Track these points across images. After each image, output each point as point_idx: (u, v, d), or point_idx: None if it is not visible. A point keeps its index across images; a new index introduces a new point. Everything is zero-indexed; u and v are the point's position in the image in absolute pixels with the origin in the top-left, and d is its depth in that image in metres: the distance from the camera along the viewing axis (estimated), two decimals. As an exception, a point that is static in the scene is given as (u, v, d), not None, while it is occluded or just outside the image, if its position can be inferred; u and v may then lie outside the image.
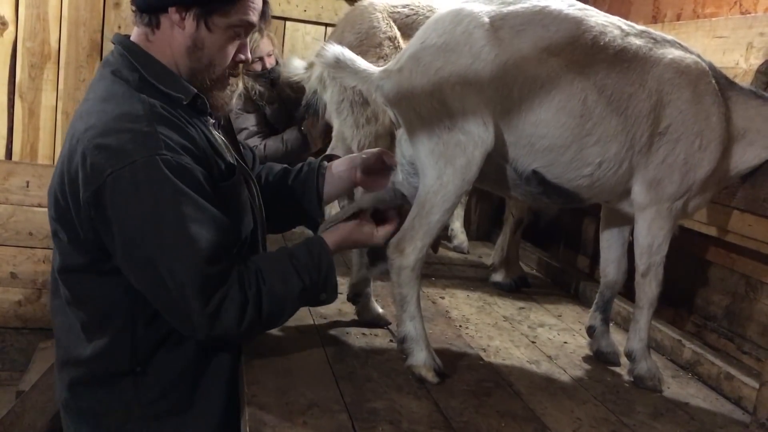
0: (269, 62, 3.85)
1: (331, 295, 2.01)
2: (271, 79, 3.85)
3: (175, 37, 1.85)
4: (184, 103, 1.87)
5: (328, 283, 1.96)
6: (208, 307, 1.74)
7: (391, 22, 3.04)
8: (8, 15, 4.11)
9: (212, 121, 2.01)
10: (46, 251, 4.29)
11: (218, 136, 2.02)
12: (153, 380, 1.92)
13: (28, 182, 4.21)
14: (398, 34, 3.02)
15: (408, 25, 3.03)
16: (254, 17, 1.89)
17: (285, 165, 2.40)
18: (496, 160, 2.13)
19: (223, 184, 1.90)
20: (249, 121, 3.91)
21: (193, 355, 1.94)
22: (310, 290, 1.92)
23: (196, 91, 1.89)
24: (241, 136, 3.74)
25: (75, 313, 1.91)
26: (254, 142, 3.82)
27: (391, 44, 2.97)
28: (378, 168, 2.26)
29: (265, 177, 2.34)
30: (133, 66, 1.85)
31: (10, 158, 4.23)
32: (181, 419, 1.95)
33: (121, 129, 1.73)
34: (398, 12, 3.07)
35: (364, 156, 2.28)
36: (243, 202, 2.00)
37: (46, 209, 4.08)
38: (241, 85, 3.41)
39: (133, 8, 1.88)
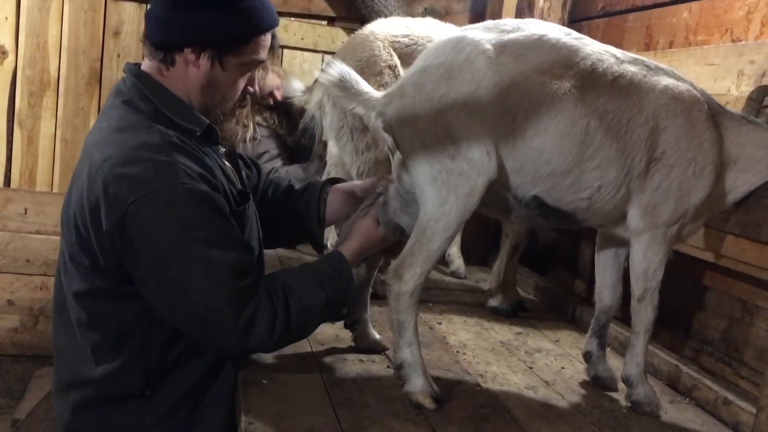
0: (279, 95, 3.89)
1: (352, 308, 2.09)
2: (285, 108, 3.90)
3: (189, 75, 1.91)
4: (198, 134, 1.92)
5: (348, 295, 2.03)
6: (241, 320, 1.79)
7: (392, 50, 3.08)
8: (8, 44, 4.15)
9: (222, 150, 2.06)
10: (43, 278, 4.30)
11: (228, 164, 2.08)
12: (161, 401, 1.96)
13: (26, 209, 4.22)
14: (398, 62, 3.06)
15: (408, 54, 3.07)
16: (264, 54, 1.97)
17: (291, 182, 2.42)
18: (496, 188, 2.14)
19: (237, 209, 1.96)
20: (270, 145, 3.93)
21: (199, 376, 1.99)
22: (333, 302, 1.99)
23: (208, 122, 1.95)
24: (261, 160, 3.76)
25: (86, 335, 1.94)
26: (276, 163, 3.83)
27: (391, 72, 3.01)
28: (372, 191, 2.30)
29: (272, 193, 2.38)
30: (146, 96, 1.90)
31: (9, 185, 4.25)
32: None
33: (140, 159, 1.78)
34: (398, 41, 3.11)
35: (362, 184, 2.31)
36: (253, 227, 2.08)
37: (44, 236, 4.15)
38: (258, 117, 3.44)
39: (147, 43, 1.93)
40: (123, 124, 1.86)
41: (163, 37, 1.88)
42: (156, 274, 1.78)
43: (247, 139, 3.74)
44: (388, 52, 3.05)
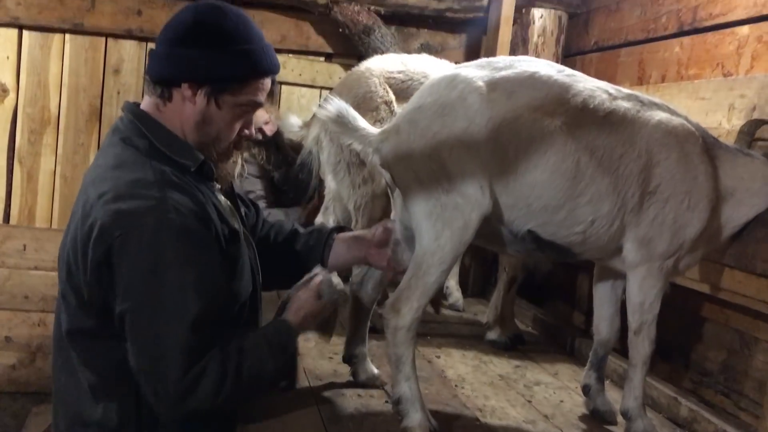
0: (269, 129, 3.92)
1: (291, 383, 2.06)
2: (275, 143, 3.93)
3: (185, 111, 1.91)
4: (192, 170, 1.92)
5: (291, 369, 2.02)
6: (185, 380, 1.73)
7: (387, 86, 3.12)
8: (9, 82, 4.21)
9: (218, 186, 2.06)
10: (41, 314, 4.28)
11: (223, 200, 2.07)
12: None
13: (24, 245, 4.23)
14: (394, 98, 3.10)
15: (403, 90, 3.12)
16: (262, 98, 1.95)
17: (295, 225, 2.42)
18: (492, 222, 2.16)
19: (228, 247, 1.94)
20: (256, 186, 3.96)
21: (198, 418, 1.92)
22: (279, 373, 1.94)
23: (203, 157, 1.94)
24: None
25: (83, 374, 1.91)
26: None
27: (387, 108, 3.05)
28: (385, 240, 2.28)
29: (274, 237, 2.37)
30: (142, 133, 1.91)
31: (8, 222, 4.26)
32: None
33: (133, 194, 1.78)
34: (394, 77, 3.16)
35: (371, 234, 2.29)
36: (245, 265, 2.04)
37: (42, 272, 4.16)
38: (246, 154, 3.46)
39: (147, 78, 1.95)
40: (119, 161, 1.87)
41: (162, 72, 1.90)
42: (125, 310, 1.76)
43: (235, 176, 3.76)
44: (383, 88, 3.10)
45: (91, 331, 1.87)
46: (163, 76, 1.90)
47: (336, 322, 2.14)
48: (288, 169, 3.96)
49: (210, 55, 1.85)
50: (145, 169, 1.84)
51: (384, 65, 3.22)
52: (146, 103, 1.97)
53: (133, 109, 1.97)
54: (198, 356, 1.75)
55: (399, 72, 3.17)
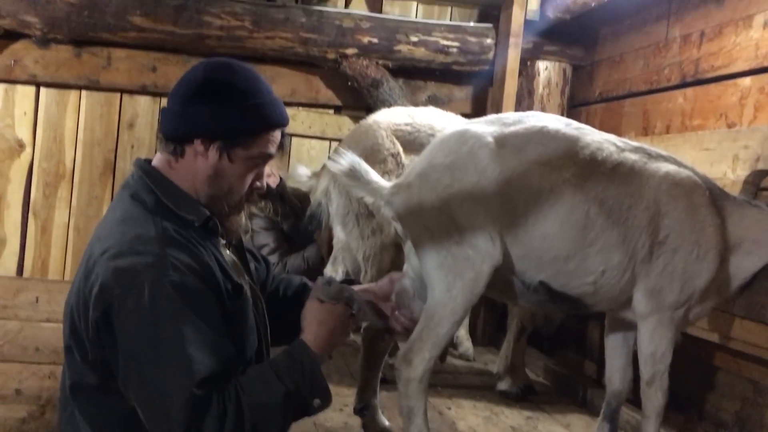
0: (272, 182, 3.97)
1: (324, 398, 1.90)
2: (280, 195, 3.98)
3: (198, 166, 1.94)
4: (196, 225, 1.93)
5: (314, 384, 1.88)
6: (188, 426, 1.71)
7: (394, 138, 3.18)
8: (26, 137, 4.31)
9: (223, 241, 2.06)
10: (52, 366, 4.28)
11: (228, 255, 2.07)
12: None
13: (37, 298, 4.26)
14: (401, 150, 3.15)
15: (410, 141, 3.17)
16: (273, 150, 1.98)
17: (304, 279, 2.43)
18: (504, 273, 2.18)
19: (231, 303, 1.93)
20: (268, 239, 3.99)
21: None
22: (297, 394, 1.85)
23: (208, 213, 1.96)
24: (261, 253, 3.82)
25: (85, 430, 1.90)
26: (273, 259, 3.87)
27: (394, 160, 3.10)
28: (389, 293, 2.26)
29: (283, 291, 2.36)
30: (150, 189, 1.94)
31: (21, 274, 4.31)
32: None
33: (133, 251, 1.79)
34: (401, 129, 3.21)
35: (378, 286, 2.30)
36: (250, 321, 2.03)
37: (54, 324, 4.18)
38: (253, 208, 3.50)
39: (160, 136, 1.99)
40: (124, 216, 1.90)
41: (176, 129, 1.94)
42: (127, 367, 1.76)
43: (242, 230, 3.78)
44: (390, 141, 3.15)
45: (94, 386, 1.87)
46: (176, 133, 1.94)
47: (363, 311, 2.05)
48: (296, 219, 4.00)
49: (221, 111, 1.89)
50: (147, 225, 1.86)
51: (391, 118, 3.28)
52: (158, 160, 2.00)
53: (142, 165, 2.00)
54: (201, 408, 1.73)
55: (406, 124, 3.23)
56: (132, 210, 1.92)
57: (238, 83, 1.91)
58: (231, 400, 1.77)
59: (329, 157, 2.28)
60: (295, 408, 1.88)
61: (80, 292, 1.84)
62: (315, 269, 3.82)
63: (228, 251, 2.08)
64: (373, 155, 3.10)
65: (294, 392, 1.84)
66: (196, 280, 1.81)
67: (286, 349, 1.94)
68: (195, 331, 1.76)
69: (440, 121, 3.23)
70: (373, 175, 2.23)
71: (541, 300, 2.27)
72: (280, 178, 4.01)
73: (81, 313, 1.83)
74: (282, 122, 2.00)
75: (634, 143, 2.34)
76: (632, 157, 2.26)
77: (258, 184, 2.03)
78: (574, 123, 2.30)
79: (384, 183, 2.23)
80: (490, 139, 2.17)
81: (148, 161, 2.03)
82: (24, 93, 4.29)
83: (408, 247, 2.30)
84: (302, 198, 3.92)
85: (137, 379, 1.76)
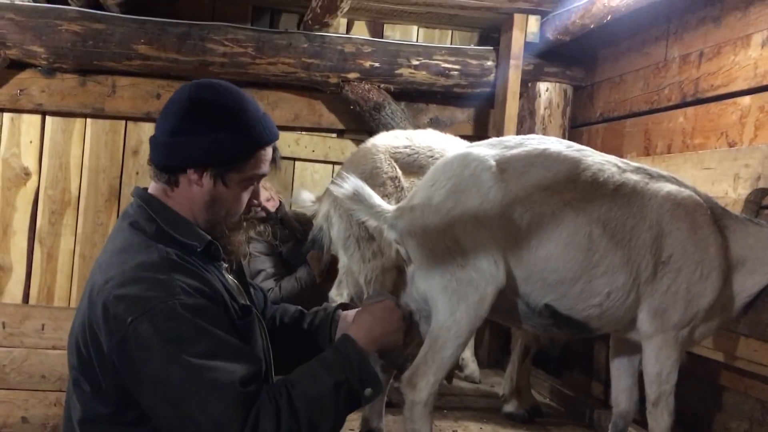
0: (271, 206, 3.97)
1: (375, 387, 1.89)
2: (279, 218, 3.99)
3: (193, 194, 1.94)
4: (198, 250, 1.93)
5: (364, 373, 1.88)
6: (246, 428, 1.71)
7: (393, 162, 3.21)
8: (32, 165, 4.35)
9: (225, 265, 2.07)
10: (58, 394, 4.28)
11: (231, 279, 2.08)
12: None
13: (43, 325, 4.27)
14: (400, 173, 3.18)
15: (410, 164, 3.20)
16: (266, 168, 1.98)
17: (299, 307, 2.42)
18: (508, 296, 2.19)
19: (239, 322, 1.94)
20: (266, 264, 3.98)
21: None
22: (347, 385, 1.85)
23: (210, 238, 1.96)
24: (258, 279, 3.81)
25: None
26: (269, 284, 3.87)
27: (392, 183, 3.12)
28: None
29: (280, 318, 2.35)
30: (150, 217, 1.93)
31: (27, 301, 4.33)
32: None
33: (138, 278, 1.78)
34: (400, 152, 3.24)
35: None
36: (257, 341, 2.03)
37: (60, 351, 4.18)
38: (251, 232, 3.51)
39: (152, 166, 1.97)
40: (125, 245, 1.89)
41: (167, 161, 1.93)
42: (158, 394, 1.74)
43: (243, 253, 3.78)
44: (388, 164, 3.18)
45: (106, 418, 1.85)
46: (167, 165, 1.92)
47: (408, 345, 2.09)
48: (295, 242, 4.01)
49: (211, 138, 1.87)
50: (150, 251, 1.84)
51: (389, 141, 3.31)
52: (154, 188, 1.99)
53: (141, 194, 1.99)
54: (248, 406, 1.73)
55: (405, 147, 3.26)
56: (132, 238, 1.90)
57: (225, 106, 1.90)
58: (282, 397, 1.78)
59: (332, 181, 2.29)
60: (347, 399, 1.87)
61: (86, 325, 1.82)
62: (309, 289, 3.82)
63: (230, 276, 2.08)
64: (372, 179, 3.12)
65: (344, 382, 1.84)
66: (206, 302, 1.81)
67: (332, 345, 1.96)
68: (218, 344, 1.76)
69: (439, 143, 3.26)
70: (376, 199, 2.24)
71: (546, 324, 2.27)
72: (280, 202, 4.01)
73: (90, 346, 1.81)
74: (272, 139, 1.98)
75: (635, 164, 2.35)
76: (634, 177, 2.28)
77: (255, 201, 2.04)
78: (576, 145, 2.32)
79: (387, 206, 2.24)
80: (492, 162, 2.18)
81: (146, 189, 2.01)
82: (30, 122, 4.34)
83: (411, 270, 2.31)
84: (304, 221, 3.94)
85: (171, 402, 1.74)
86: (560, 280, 2.17)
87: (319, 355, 1.94)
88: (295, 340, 2.29)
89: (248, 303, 2.05)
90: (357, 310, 2.12)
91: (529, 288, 2.19)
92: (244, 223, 2.08)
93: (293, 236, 4.02)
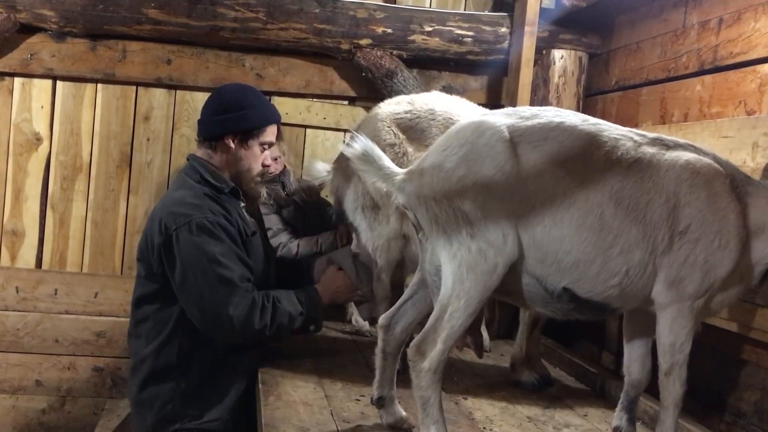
0: (274, 167, 3.95)
1: (317, 327, 3.12)
2: (282, 182, 3.99)
3: (227, 155, 3.05)
4: (225, 191, 3.02)
5: (316, 316, 3.07)
6: (237, 312, 2.77)
7: (394, 128, 3.19)
8: (43, 131, 4.34)
9: (242, 204, 3.11)
10: (71, 358, 4.36)
11: (248, 216, 3.13)
12: (192, 372, 2.90)
13: (56, 290, 4.32)
14: (403, 138, 3.16)
15: (411, 128, 3.20)
16: (273, 138, 3.12)
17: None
18: (525, 278, 2.17)
19: (247, 239, 2.99)
20: (272, 222, 4.01)
21: (221, 354, 2.94)
22: (305, 317, 2.99)
23: (233, 185, 3.05)
24: (268, 234, 3.85)
25: (142, 328, 2.97)
26: (282, 238, 3.89)
27: (391, 150, 3.11)
28: None
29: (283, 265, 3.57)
30: (196, 170, 3.03)
31: (40, 267, 4.36)
32: (206, 399, 2.91)
33: (183, 203, 2.89)
34: (401, 117, 3.23)
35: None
36: (259, 256, 3.08)
37: (72, 316, 4.29)
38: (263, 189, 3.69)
39: (200, 138, 3.10)
40: (179, 186, 3.04)
41: (210, 133, 3.05)
42: (183, 279, 2.79)
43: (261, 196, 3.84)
44: (387, 131, 3.17)
45: (152, 294, 2.92)
46: (211, 135, 3.05)
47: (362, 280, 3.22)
48: (295, 207, 4.03)
49: (237, 116, 2.99)
50: (194, 189, 2.95)
51: (391, 108, 3.30)
52: (201, 153, 3.10)
53: (194, 157, 3.09)
54: (243, 297, 2.79)
55: (406, 112, 3.25)
56: (184, 182, 3.02)
57: (246, 96, 3.05)
58: (269, 300, 2.87)
59: (345, 143, 2.31)
60: (301, 324, 2.99)
61: (148, 232, 2.91)
62: (325, 255, 3.84)
63: (246, 215, 3.11)
64: None
65: (304, 313, 2.98)
66: (223, 221, 2.87)
67: (305, 290, 3.07)
68: (227, 251, 2.84)
69: (442, 105, 3.23)
70: (386, 161, 2.22)
71: (566, 309, 2.24)
72: (284, 167, 4.01)
73: (149, 243, 2.88)
74: (277, 119, 3.13)
75: (651, 134, 2.30)
76: (650, 150, 2.23)
77: (267, 162, 3.14)
78: (591, 119, 2.27)
79: (396, 169, 2.22)
80: (507, 133, 2.14)
81: (195, 154, 3.10)
82: (41, 87, 4.33)
83: (421, 236, 2.29)
84: (308, 191, 4.01)
85: (191, 283, 2.78)
86: (576, 262, 2.14)
87: (299, 290, 3.05)
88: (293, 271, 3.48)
89: (255, 229, 3.10)
90: (327, 257, 3.55)
91: (546, 270, 2.16)
92: (258, 178, 3.14)
93: (294, 201, 4.04)
